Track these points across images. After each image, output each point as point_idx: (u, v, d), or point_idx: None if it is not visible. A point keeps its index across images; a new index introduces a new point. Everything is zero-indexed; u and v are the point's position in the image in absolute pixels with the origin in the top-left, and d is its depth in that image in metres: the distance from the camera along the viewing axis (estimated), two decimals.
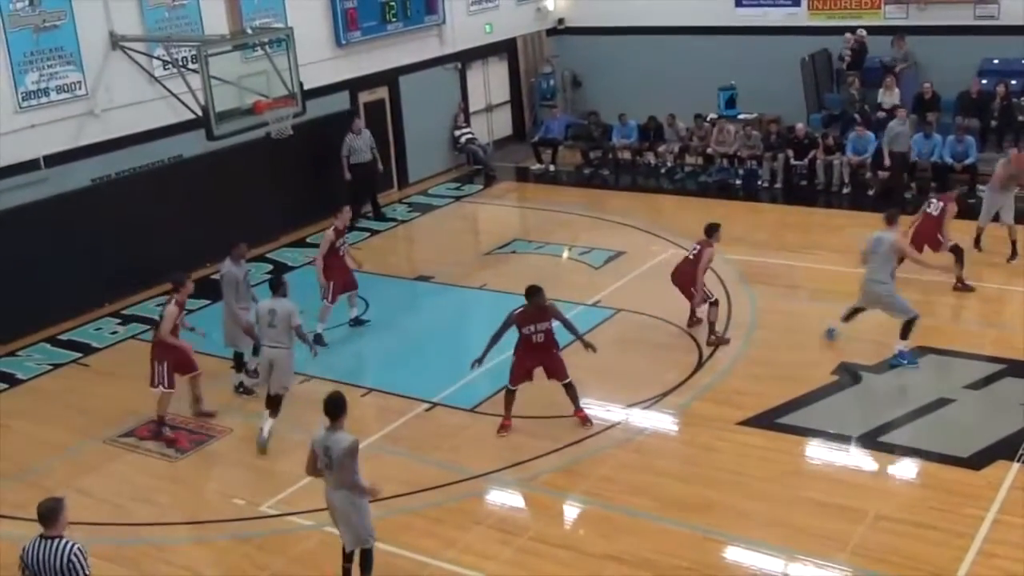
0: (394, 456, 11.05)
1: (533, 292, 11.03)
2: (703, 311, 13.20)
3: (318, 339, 13.16)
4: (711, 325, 13.06)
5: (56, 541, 6.93)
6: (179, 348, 11.63)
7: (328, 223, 14.29)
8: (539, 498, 10.15)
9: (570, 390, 11.26)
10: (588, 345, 11.31)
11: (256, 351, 12.26)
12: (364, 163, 18.61)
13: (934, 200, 14.32)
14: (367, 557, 8.65)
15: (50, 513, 7.00)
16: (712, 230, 13.08)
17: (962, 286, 14.08)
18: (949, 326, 13.07)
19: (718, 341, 12.95)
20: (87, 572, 6.97)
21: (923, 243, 13.92)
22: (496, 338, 11.08)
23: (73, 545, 6.94)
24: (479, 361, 11.08)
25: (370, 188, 18.99)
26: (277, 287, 11.51)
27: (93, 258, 15.30)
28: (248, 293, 12.67)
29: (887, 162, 18.04)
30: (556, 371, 11.23)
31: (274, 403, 11.31)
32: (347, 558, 8.74)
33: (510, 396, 11.24)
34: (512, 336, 11.12)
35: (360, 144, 18.53)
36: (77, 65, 15.27)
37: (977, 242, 15.14)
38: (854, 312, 12.58)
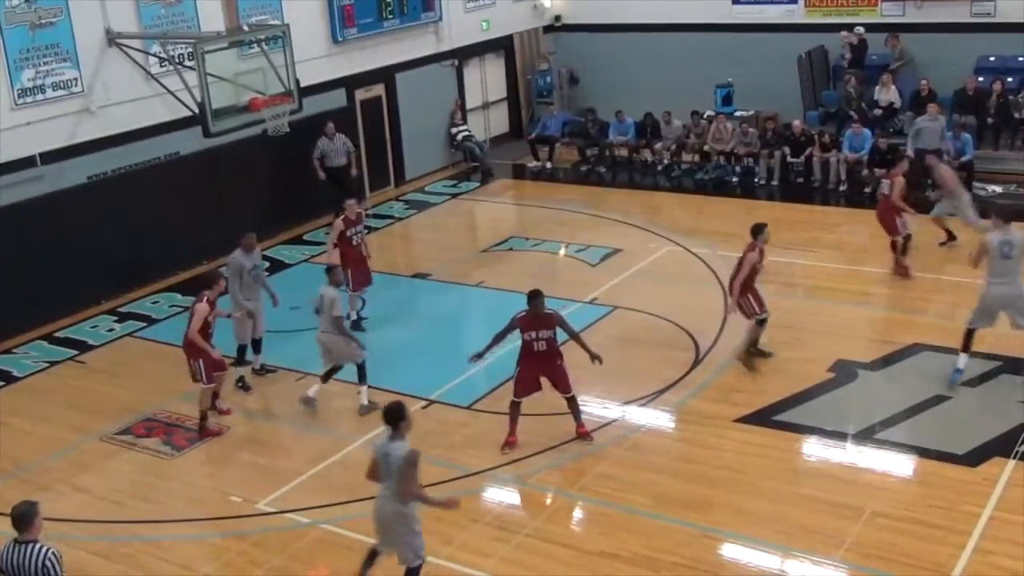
0: None
1: (532, 296, 10.66)
2: (740, 319, 12.36)
3: (356, 325, 13.59)
4: (747, 342, 12.27)
5: (31, 546, 6.89)
6: (204, 351, 11.45)
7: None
8: (536, 495, 10.15)
9: (572, 404, 10.91)
10: (595, 357, 10.83)
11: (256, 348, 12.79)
12: (339, 167, 18.33)
13: (884, 180, 14.67)
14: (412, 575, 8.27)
15: (24, 517, 6.94)
16: (756, 231, 12.13)
17: (901, 270, 14.50)
18: (945, 322, 13.07)
19: (745, 363, 12.19)
20: None
21: (885, 228, 14.40)
22: (499, 337, 10.86)
23: (48, 550, 6.90)
24: (479, 356, 10.94)
25: (341, 192, 17.38)
26: (329, 272, 11.81)
27: (89, 255, 15.28)
28: (256, 284, 12.72)
29: (910, 153, 17.51)
30: (558, 382, 10.83)
31: (360, 373, 11.78)
32: (367, 562, 8.47)
33: (514, 409, 10.88)
34: (516, 340, 10.95)
35: (333, 148, 18.25)
36: (73, 62, 15.25)
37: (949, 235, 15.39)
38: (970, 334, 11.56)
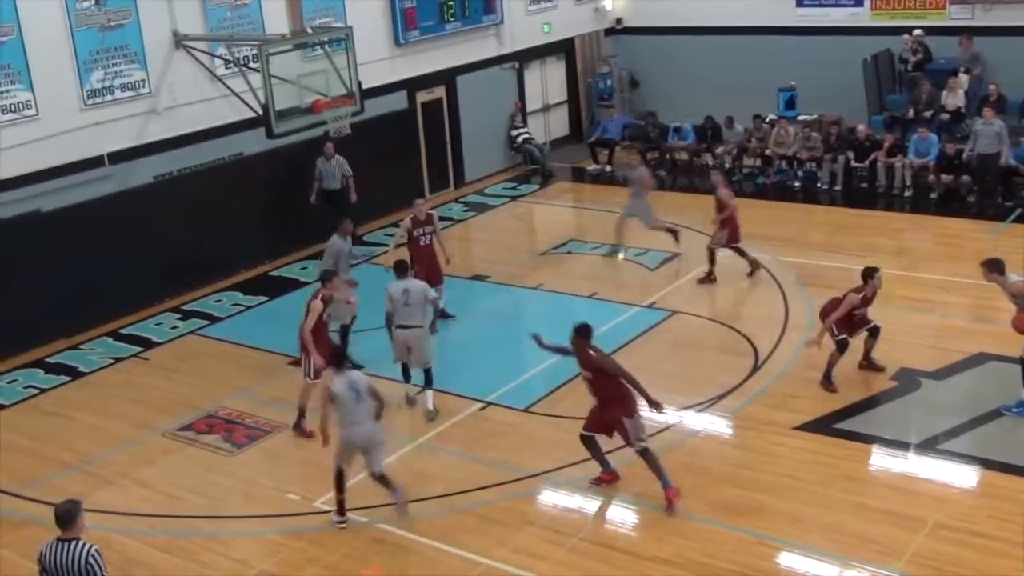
0: (446, 455, 11.10)
1: (575, 331, 9.78)
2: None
3: (443, 314, 13.92)
4: (829, 365, 11.80)
5: (73, 544, 6.96)
6: (311, 351, 11.30)
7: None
8: (591, 499, 10.11)
9: (646, 460, 9.74)
10: (655, 404, 9.73)
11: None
12: (336, 190, 17.11)
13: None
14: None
15: (67, 515, 7.00)
16: (867, 275, 11.67)
17: (708, 279, 15.01)
18: (1011, 333, 12.79)
19: (826, 387, 11.77)
20: (104, 574, 7.01)
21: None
22: (558, 351, 10.30)
23: (91, 547, 6.97)
24: (538, 340, 10.38)
25: (338, 214, 15.58)
26: (404, 269, 12.00)
27: (154, 254, 15.55)
28: (349, 268, 13.46)
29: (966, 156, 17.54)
30: (614, 431, 9.87)
31: (427, 377, 11.89)
32: (341, 486, 9.70)
33: (585, 443, 10.09)
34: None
35: (330, 169, 17.06)
36: (141, 64, 15.52)
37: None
38: None
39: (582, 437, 10.07)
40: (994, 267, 10.96)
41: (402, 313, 11.69)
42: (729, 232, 14.96)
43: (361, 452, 9.69)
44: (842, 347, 11.76)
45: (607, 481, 10.19)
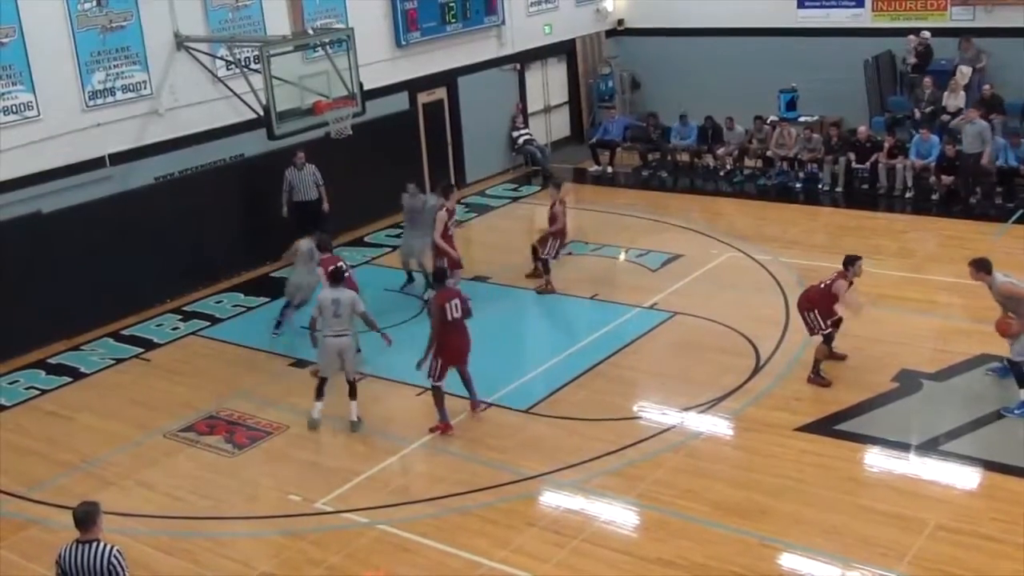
0: (448, 456, 11.10)
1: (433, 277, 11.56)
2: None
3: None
4: (817, 359, 11.96)
5: (94, 545, 6.93)
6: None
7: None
8: (593, 501, 10.11)
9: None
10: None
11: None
12: (309, 200, 16.57)
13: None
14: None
15: (87, 517, 6.98)
16: (848, 262, 11.81)
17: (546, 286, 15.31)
18: None
19: (816, 382, 11.88)
20: (126, 574, 6.99)
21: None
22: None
23: (113, 548, 6.95)
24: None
25: (315, 228, 15.45)
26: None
27: (155, 255, 15.56)
28: (424, 223, 14.84)
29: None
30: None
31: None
32: (321, 391, 11.66)
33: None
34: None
35: (301, 180, 16.55)
36: (142, 65, 15.53)
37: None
38: None
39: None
40: (981, 266, 11.03)
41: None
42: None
43: (338, 357, 11.48)
44: (829, 340, 11.94)
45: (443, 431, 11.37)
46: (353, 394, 11.71)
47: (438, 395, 11.42)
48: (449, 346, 11.32)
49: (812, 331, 12.07)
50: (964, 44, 19.66)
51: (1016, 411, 10.94)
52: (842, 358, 12.28)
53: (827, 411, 11.28)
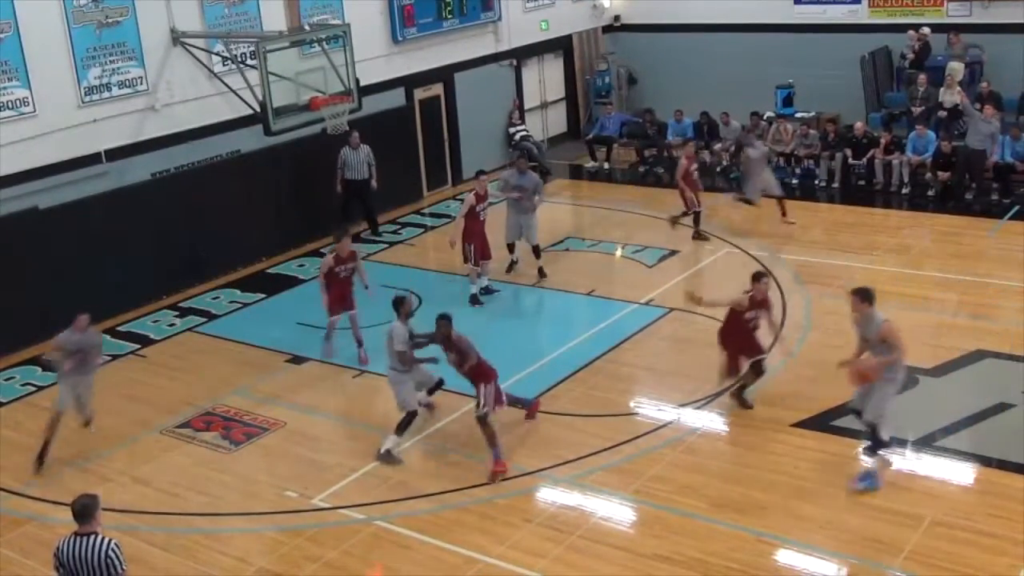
0: (445, 452, 11.10)
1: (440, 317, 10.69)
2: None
3: (474, 299, 14.33)
4: (742, 382, 11.35)
5: (92, 538, 6.95)
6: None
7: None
8: (590, 496, 10.12)
9: (483, 426, 10.52)
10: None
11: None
12: (359, 180, 17.64)
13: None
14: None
15: (86, 510, 7.00)
16: (755, 277, 11.18)
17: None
18: (1009, 330, 12.83)
19: (738, 402, 11.37)
20: (124, 568, 7.02)
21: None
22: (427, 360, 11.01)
23: (111, 541, 6.97)
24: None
25: (364, 205, 18.07)
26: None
27: (152, 251, 15.54)
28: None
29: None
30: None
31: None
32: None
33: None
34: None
35: (356, 159, 17.57)
36: (138, 61, 15.50)
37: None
38: None
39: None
40: (865, 297, 9.89)
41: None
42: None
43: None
44: (757, 367, 11.18)
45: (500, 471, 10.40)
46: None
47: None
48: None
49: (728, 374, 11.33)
50: (952, 39, 19.66)
51: (860, 483, 9.83)
52: (748, 407, 11.37)
53: (823, 407, 11.29)
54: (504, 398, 10.80)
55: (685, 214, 16.60)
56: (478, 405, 10.50)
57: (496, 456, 10.42)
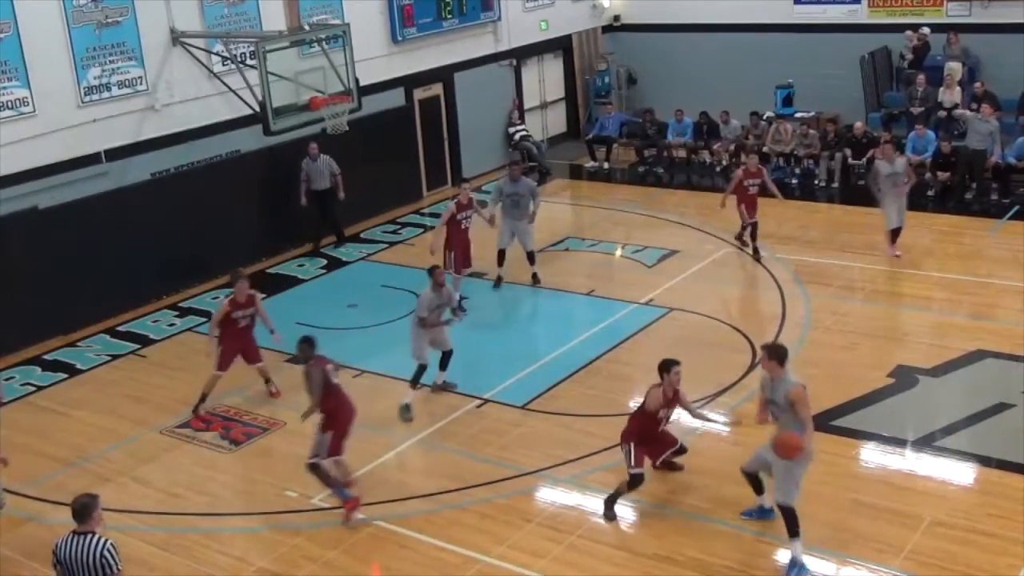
0: (445, 452, 11.10)
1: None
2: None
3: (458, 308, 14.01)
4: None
5: (89, 537, 6.99)
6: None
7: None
8: (590, 496, 10.11)
9: (315, 473, 9.81)
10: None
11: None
12: (324, 190, 17.13)
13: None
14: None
15: (84, 509, 7.05)
16: (663, 368, 9.74)
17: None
18: (1009, 330, 12.83)
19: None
20: (119, 568, 7.05)
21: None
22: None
23: (106, 542, 7.01)
24: None
25: (330, 217, 17.51)
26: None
27: (152, 251, 15.53)
28: (512, 208, 15.17)
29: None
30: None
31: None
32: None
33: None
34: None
35: (317, 170, 17.04)
36: (138, 61, 15.50)
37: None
38: None
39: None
40: (775, 354, 9.12)
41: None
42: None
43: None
44: (635, 483, 9.55)
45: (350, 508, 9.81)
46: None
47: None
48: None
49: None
50: (951, 40, 19.66)
51: (747, 515, 9.50)
52: (678, 468, 10.37)
53: (823, 407, 11.25)
54: (342, 452, 9.81)
55: (744, 228, 15.92)
56: (313, 454, 9.86)
57: (343, 496, 9.85)
